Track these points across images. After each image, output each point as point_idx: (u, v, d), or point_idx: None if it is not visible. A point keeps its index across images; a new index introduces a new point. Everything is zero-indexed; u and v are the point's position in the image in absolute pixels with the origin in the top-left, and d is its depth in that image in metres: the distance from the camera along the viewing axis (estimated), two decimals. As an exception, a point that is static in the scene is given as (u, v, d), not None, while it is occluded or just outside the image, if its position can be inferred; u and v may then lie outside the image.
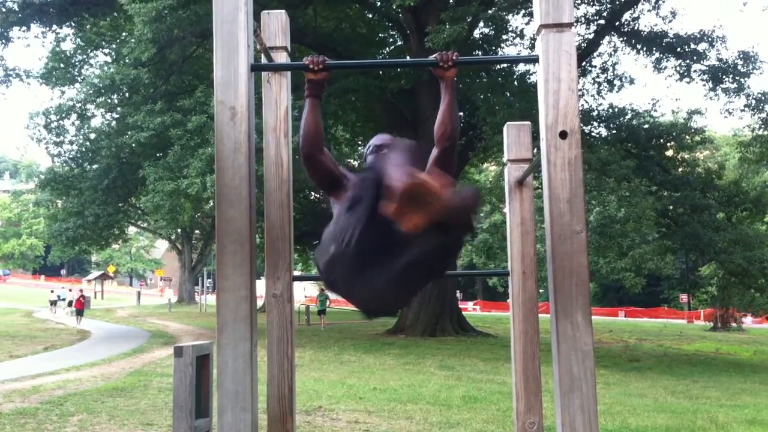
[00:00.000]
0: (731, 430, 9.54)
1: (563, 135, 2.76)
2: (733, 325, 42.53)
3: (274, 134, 3.79)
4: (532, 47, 26.73)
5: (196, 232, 58.32)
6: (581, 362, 2.74)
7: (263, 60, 3.73)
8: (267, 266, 3.71)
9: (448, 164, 3.27)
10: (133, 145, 21.79)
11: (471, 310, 52.15)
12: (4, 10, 24.25)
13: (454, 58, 3.08)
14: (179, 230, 54.75)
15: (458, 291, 46.83)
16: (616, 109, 25.82)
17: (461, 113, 30.05)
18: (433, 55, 3.13)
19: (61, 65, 27.60)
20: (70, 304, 48.30)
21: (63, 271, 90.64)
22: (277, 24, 3.80)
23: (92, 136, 25.83)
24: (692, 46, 25.14)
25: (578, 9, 24.99)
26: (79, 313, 31.88)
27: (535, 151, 4.16)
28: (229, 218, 2.80)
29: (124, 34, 27.03)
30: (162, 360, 15.79)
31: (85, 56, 28.96)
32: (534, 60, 2.92)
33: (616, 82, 27.80)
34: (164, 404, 9.74)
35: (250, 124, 2.88)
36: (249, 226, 2.81)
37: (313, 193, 27.82)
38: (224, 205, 2.81)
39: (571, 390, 2.74)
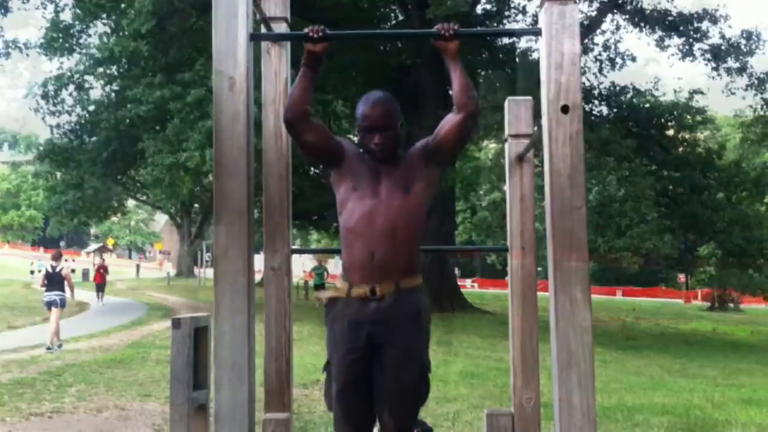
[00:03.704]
0: (727, 409, 9.56)
1: (565, 109, 2.73)
2: (731, 305, 42.67)
3: (273, 106, 3.77)
4: (534, 23, 26.53)
5: (195, 205, 58.24)
6: (579, 338, 2.73)
7: (263, 30, 3.70)
8: (265, 239, 3.69)
9: (470, 128, 3.29)
10: (132, 116, 21.70)
11: (470, 287, 52.22)
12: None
13: (455, 28, 3.04)
14: (178, 204, 54.75)
15: (456, 268, 46.88)
16: (618, 88, 25.73)
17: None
18: (435, 27, 3.09)
19: (60, 35, 27.39)
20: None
21: (62, 243, 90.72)
22: (277, -7, 3.77)
23: (91, 108, 25.70)
24: (695, 24, 25.04)
25: (582, -14, 24.85)
26: (100, 288, 27.22)
27: (535, 128, 4.13)
28: (227, 190, 2.78)
29: (123, 5, 26.83)
30: (160, 332, 15.83)
31: (84, 26, 28.75)
32: (537, 33, 2.89)
33: (618, 61, 27.68)
34: (162, 376, 9.76)
35: (249, 94, 2.86)
36: (247, 198, 2.79)
37: (312, 168, 27.74)
38: (222, 176, 2.79)
39: (569, 366, 2.73)
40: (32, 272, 48.77)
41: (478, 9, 25.49)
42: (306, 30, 3.12)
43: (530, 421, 3.93)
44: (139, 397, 8.24)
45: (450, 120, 3.23)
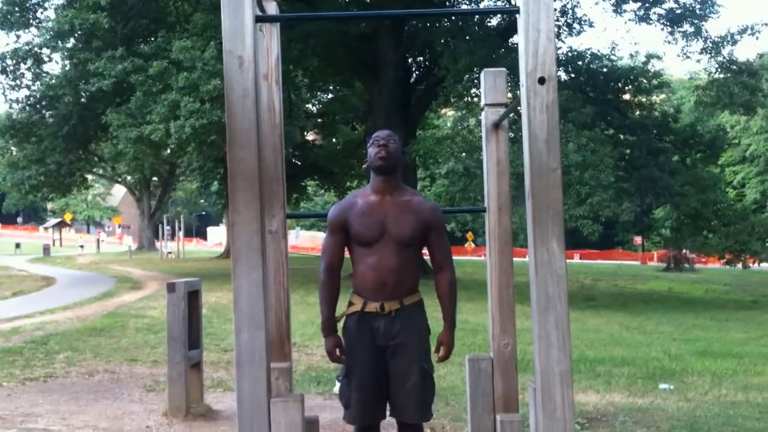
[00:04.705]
0: (683, 360, 10.09)
1: (542, 81, 3.06)
2: (686, 265, 43.74)
3: (265, 81, 4.03)
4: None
5: (154, 179, 57.83)
6: (556, 284, 3.08)
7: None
8: (263, 205, 3.99)
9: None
10: (93, 90, 21.61)
11: (428, 254, 52.49)
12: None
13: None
14: (136, 177, 54.34)
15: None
16: (576, 53, 26.11)
17: (420, 58, 30.09)
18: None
19: (16, 9, 27.03)
20: None
21: (19, 219, 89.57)
22: (266, -25, 4.02)
23: (52, 82, 25.50)
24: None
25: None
26: None
27: (509, 95, 4.46)
28: (240, 159, 3.06)
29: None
30: (133, 303, 16.02)
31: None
32: (515, 11, 3.21)
33: (576, 26, 28.09)
34: (144, 342, 10.05)
35: (256, 72, 3.14)
36: (258, 166, 3.08)
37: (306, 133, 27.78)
38: (235, 147, 3.07)
39: (546, 309, 3.08)
40: None
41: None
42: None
43: (508, 364, 4.31)
44: (127, 362, 8.52)
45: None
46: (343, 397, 3.85)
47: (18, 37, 27.83)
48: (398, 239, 3.69)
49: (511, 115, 4.51)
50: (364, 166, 4.11)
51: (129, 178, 53.63)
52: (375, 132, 4.04)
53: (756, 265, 34.93)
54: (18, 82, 26.10)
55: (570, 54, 26.07)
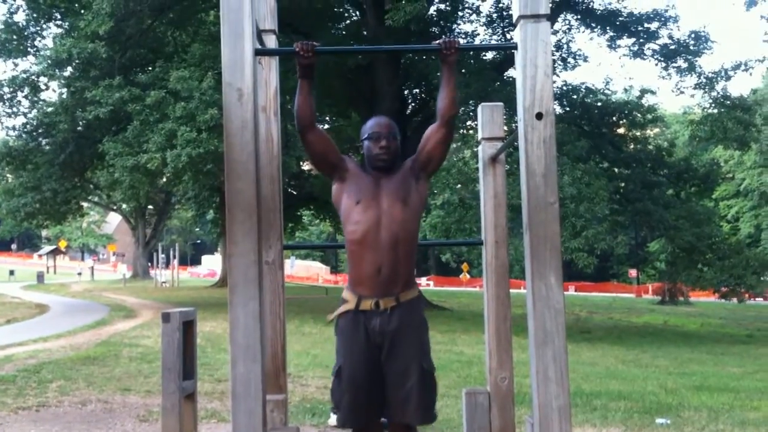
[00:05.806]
0: (680, 394, 10.05)
1: (539, 116, 3.09)
2: (681, 298, 43.73)
3: (264, 113, 4.06)
4: (489, 23, 26.69)
5: (149, 207, 57.82)
6: (553, 318, 3.08)
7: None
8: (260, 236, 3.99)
9: (451, 137, 3.75)
10: (90, 118, 21.67)
11: (425, 285, 52.73)
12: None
13: (456, 46, 3.44)
14: (132, 205, 54.39)
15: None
16: (570, 87, 26.31)
17: (417, 90, 30.30)
18: (436, 42, 3.46)
19: (14, 37, 27.18)
20: None
21: (13, 246, 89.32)
22: (266, 7, 4.06)
23: (49, 109, 25.56)
24: (645, 25, 25.73)
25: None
26: None
27: (505, 128, 4.48)
28: (238, 190, 3.07)
29: (76, 5, 26.64)
30: (126, 332, 15.92)
31: (38, 28, 28.54)
32: (513, 48, 3.24)
33: (570, 60, 28.32)
34: (138, 371, 9.98)
35: (255, 104, 3.15)
36: (256, 197, 3.09)
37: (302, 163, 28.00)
38: (233, 178, 3.07)
39: (544, 343, 3.08)
40: None
41: (432, 9, 25.85)
42: (296, 47, 3.47)
43: (505, 398, 4.29)
44: (120, 391, 8.46)
45: (436, 132, 3.70)
46: (335, 396, 3.69)
47: (16, 64, 28.01)
48: (395, 201, 3.56)
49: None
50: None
51: (124, 206, 53.69)
52: (370, 121, 3.93)
53: (751, 299, 34.96)
54: (15, 109, 26.20)
55: (565, 88, 26.26)
